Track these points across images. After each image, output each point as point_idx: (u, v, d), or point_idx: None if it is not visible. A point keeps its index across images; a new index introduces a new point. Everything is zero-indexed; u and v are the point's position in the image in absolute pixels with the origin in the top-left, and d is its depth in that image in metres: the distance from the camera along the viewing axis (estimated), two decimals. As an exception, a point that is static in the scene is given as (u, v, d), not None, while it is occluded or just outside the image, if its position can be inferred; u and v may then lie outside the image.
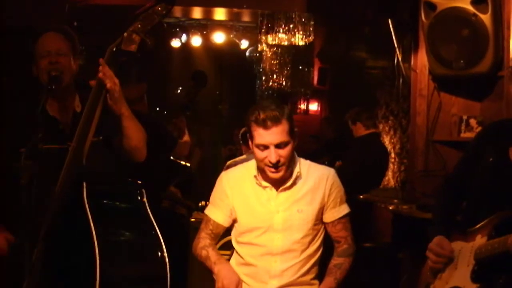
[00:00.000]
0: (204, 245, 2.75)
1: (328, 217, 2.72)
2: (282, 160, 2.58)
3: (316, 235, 2.72)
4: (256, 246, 2.70)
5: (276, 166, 2.59)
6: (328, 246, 2.80)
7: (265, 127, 2.54)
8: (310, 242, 2.70)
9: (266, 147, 2.57)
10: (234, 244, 2.80)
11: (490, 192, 2.35)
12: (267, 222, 2.67)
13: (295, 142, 2.63)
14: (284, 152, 2.58)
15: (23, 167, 2.18)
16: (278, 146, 2.56)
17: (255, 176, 2.69)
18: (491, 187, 2.35)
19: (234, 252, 2.81)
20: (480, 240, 2.29)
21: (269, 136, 2.55)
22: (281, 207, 2.67)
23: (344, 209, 2.75)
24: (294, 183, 2.68)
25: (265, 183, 2.68)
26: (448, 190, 2.62)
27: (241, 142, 5.32)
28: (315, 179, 2.70)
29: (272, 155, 2.56)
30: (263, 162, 2.61)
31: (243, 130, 5.01)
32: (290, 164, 2.64)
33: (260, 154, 2.60)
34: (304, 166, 2.73)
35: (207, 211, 2.82)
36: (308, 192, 2.69)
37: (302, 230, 2.67)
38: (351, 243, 2.77)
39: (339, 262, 2.73)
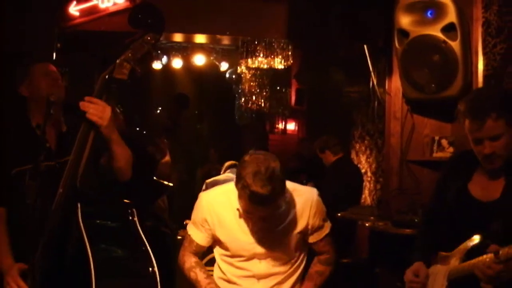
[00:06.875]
0: (191, 266, 2.78)
1: (312, 238, 2.79)
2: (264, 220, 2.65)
3: (299, 257, 2.79)
4: (239, 269, 2.75)
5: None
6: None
7: (253, 203, 2.52)
8: (293, 264, 2.77)
9: (250, 212, 2.62)
10: (216, 257, 2.84)
11: (457, 225, 2.45)
12: (251, 251, 2.71)
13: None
14: (268, 219, 2.64)
15: (27, 187, 2.27)
16: (263, 218, 2.63)
17: (237, 209, 2.68)
18: (456, 221, 2.45)
19: (216, 265, 2.85)
20: (454, 263, 2.42)
21: (255, 211, 2.58)
22: (264, 235, 2.70)
23: (326, 229, 2.81)
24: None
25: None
26: (426, 223, 2.71)
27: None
28: (299, 206, 2.72)
29: (256, 222, 2.65)
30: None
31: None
32: None
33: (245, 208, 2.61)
34: (286, 192, 2.67)
35: (190, 231, 2.84)
36: (292, 220, 2.71)
37: (285, 256, 2.73)
38: (333, 253, 2.85)
39: (321, 270, 2.82)
